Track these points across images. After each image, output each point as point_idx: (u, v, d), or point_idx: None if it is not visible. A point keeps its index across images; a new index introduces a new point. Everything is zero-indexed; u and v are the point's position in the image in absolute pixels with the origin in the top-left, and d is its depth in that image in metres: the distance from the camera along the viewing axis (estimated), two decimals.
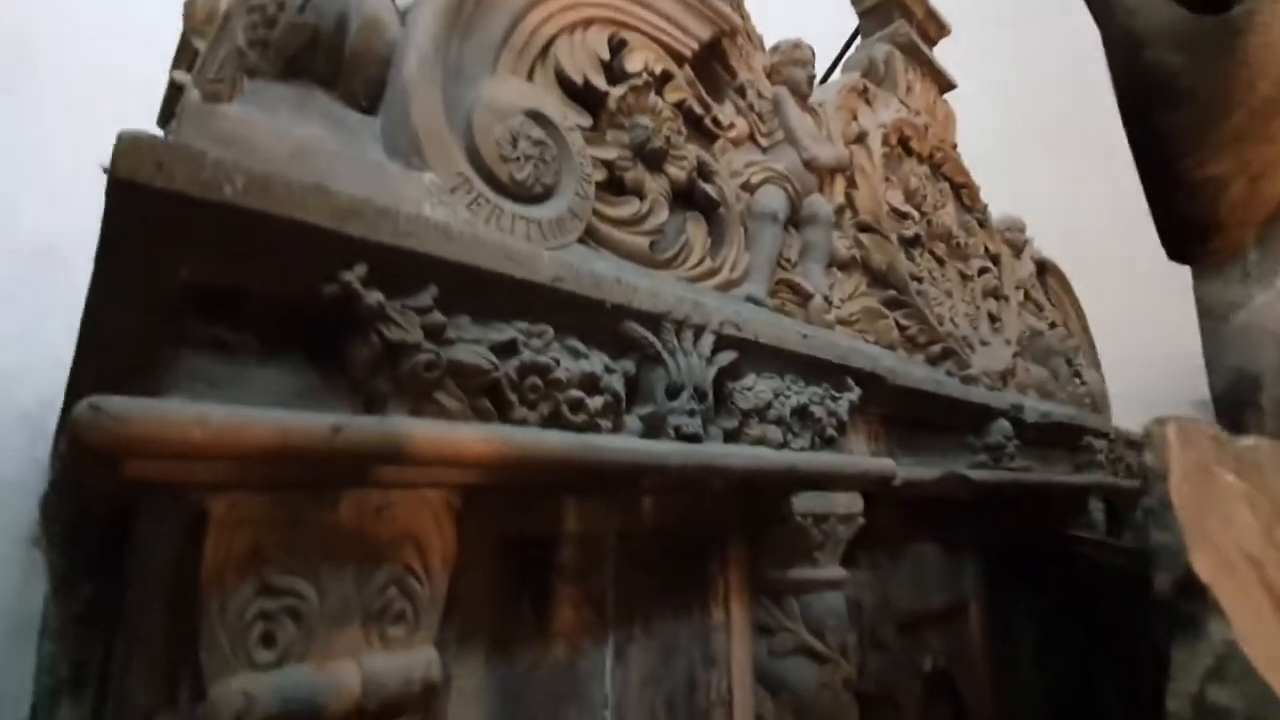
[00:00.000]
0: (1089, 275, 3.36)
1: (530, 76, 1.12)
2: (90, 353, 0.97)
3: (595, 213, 1.14)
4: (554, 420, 0.88)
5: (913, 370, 1.78)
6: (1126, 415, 3.32)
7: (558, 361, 0.89)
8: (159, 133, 0.72)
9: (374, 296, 0.72)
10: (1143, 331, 3.40)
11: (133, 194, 0.62)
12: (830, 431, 1.29)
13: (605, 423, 0.94)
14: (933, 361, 2.01)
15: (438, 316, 0.77)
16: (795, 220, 1.65)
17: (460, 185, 0.94)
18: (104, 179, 0.62)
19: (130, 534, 1.02)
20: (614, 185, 1.22)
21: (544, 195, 1.05)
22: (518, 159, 1.01)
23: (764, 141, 1.68)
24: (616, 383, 0.97)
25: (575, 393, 0.90)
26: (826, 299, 1.60)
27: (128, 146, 0.60)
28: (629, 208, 1.22)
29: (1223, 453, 0.35)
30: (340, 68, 0.91)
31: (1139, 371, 3.46)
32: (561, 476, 0.90)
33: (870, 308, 1.86)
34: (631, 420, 1.01)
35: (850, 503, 1.35)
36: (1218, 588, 0.28)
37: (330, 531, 0.71)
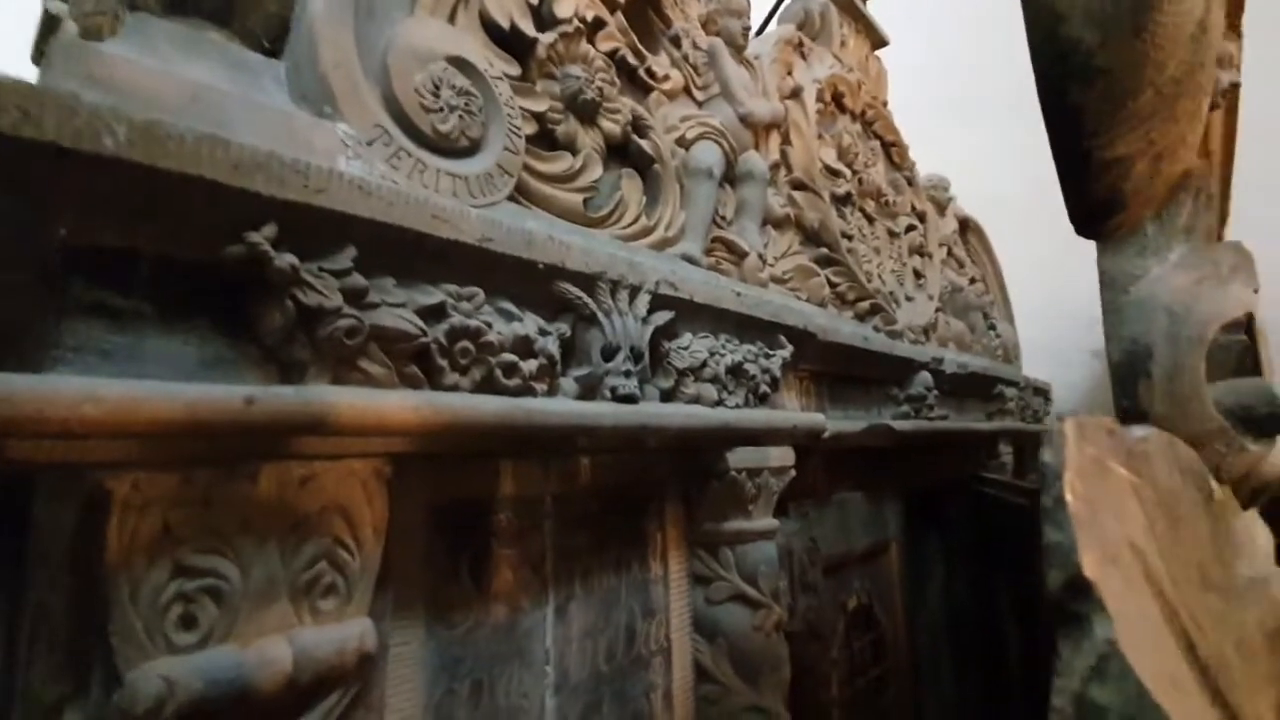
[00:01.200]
0: (1002, 231, 3.53)
1: (452, 19, 1.05)
2: None
3: (526, 168, 1.10)
4: (487, 385, 0.86)
5: (842, 327, 1.83)
6: (1035, 364, 3.56)
7: (490, 325, 0.86)
8: (31, 74, 0.63)
9: (286, 259, 0.67)
10: (1050, 285, 3.62)
11: None
12: (764, 388, 1.32)
13: (540, 386, 0.93)
14: (861, 317, 2.08)
15: (358, 279, 0.73)
16: (731, 177, 1.64)
17: (378, 137, 0.88)
18: None
19: (26, 517, 0.95)
20: (545, 139, 1.18)
21: (470, 149, 1.00)
22: (441, 109, 0.95)
23: (699, 95, 1.65)
24: (551, 345, 0.95)
25: (509, 356, 0.88)
26: (761, 257, 1.61)
27: None
28: (561, 163, 1.18)
29: (1117, 445, 0.38)
30: (235, 1, 0.83)
31: (1046, 323, 3.69)
32: (496, 441, 0.88)
33: (803, 265, 1.90)
34: (567, 382, 1.00)
35: (782, 456, 1.39)
36: (1103, 586, 0.31)
37: (249, 507, 0.67)
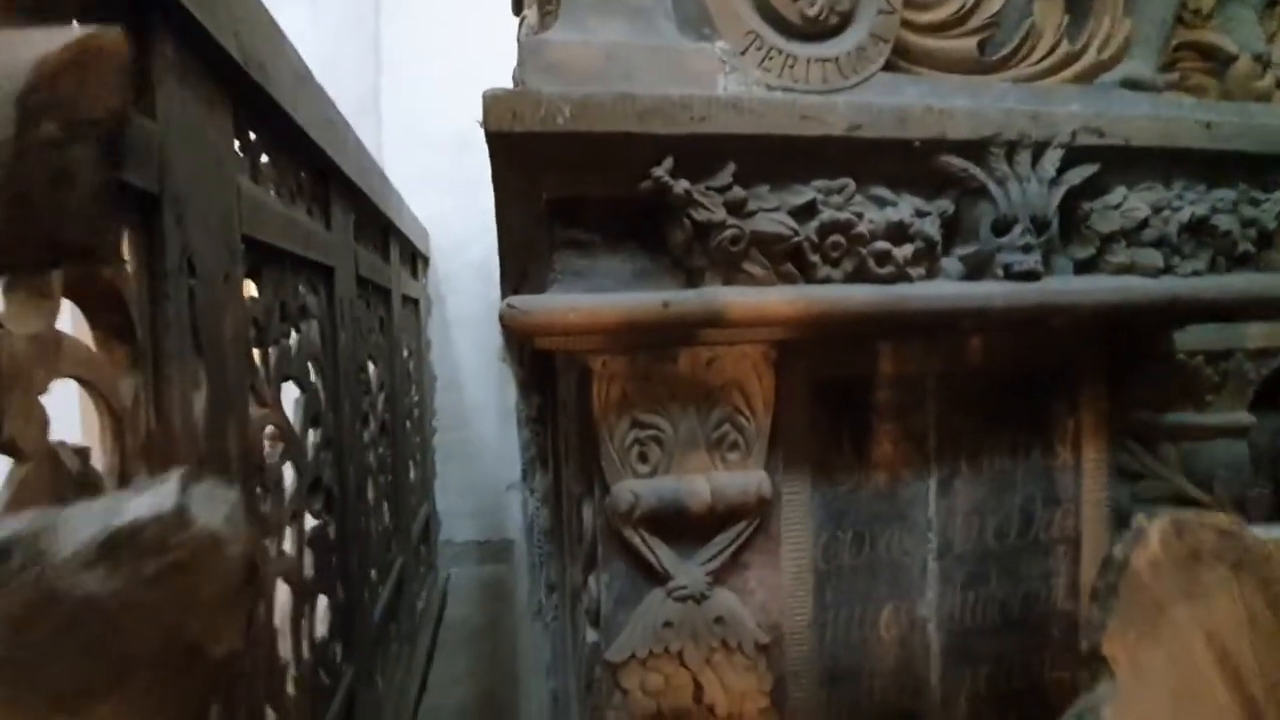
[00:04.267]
0: None
1: None
2: (505, 240, 1.31)
3: (904, 24, 1.01)
4: (859, 275, 0.89)
5: None
6: None
7: (861, 215, 0.88)
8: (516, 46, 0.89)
9: (681, 185, 0.82)
10: None
11: (501, 138, 0.80)
12: (1244, 246, 1.00)
13: (917, 270, 0.92)
14: None
15: (738, 192, 0.84)
16: None
17: (751, 44, 0.93)
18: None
19: (554, 378, 1.42)
20: None
21: (840, 25, 0.96)
22: None
23: None
24: (929, 226, 0.92)
25: (881, 244, 0.89)
26: (1260, 58, 1.13)
27: (491, 103, 0.78)
28: (948, 7, 1.03)
29: (1226, 543, 0.35)
30: None
31: None
32: (869, 326, 0.93)
33: None
34: (950, 262, 0.96)
35: (1272, 335, 1.06)
36: (1122, 663, 0.34)
37: (673, 381, 0.89)
